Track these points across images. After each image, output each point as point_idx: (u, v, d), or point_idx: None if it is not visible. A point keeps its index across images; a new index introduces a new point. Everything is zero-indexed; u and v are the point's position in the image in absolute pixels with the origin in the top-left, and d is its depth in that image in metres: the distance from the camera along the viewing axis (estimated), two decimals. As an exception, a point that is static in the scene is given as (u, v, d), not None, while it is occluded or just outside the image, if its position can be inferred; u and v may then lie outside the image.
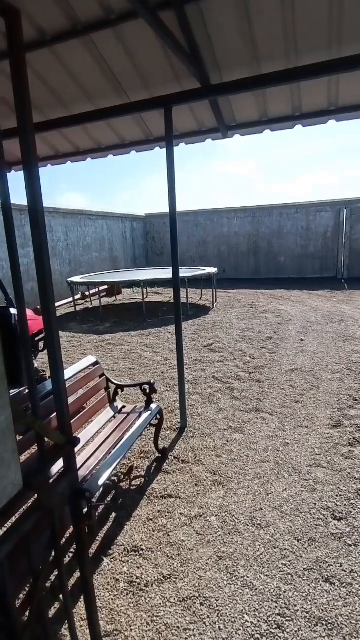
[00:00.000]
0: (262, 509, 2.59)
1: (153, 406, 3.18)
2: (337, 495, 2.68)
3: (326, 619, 1.85)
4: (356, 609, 1.90)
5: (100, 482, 2.27)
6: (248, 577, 2.09)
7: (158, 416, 3.18)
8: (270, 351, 5.88)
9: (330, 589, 2.00)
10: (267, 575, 2.10)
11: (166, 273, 9.84)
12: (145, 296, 9.57)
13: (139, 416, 3.05)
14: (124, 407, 3.35)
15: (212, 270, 10.07)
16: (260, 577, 2.09)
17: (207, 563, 2.20)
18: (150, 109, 3.28)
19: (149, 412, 3.10)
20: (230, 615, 1.88)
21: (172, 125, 3.02)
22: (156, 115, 3.63)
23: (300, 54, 2.77)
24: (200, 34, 2.73)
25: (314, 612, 1.89)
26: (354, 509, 2.55)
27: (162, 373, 5.20)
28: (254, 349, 5.99)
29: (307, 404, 4.07)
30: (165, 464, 3.16)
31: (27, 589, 2.03)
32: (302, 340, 6.38)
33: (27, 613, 1.15)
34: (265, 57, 2.82)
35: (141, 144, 4.16)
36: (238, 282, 13.96)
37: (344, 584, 2.03)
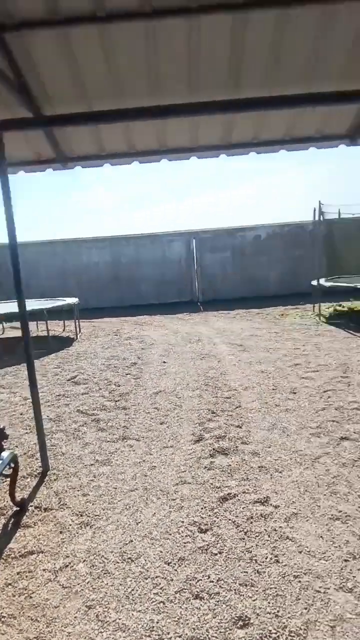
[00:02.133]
0: (132, 541, 2.52)
1: (4, 454, 2.83)
2: (201, 508, 2.79)
3: (198, 636, 1.87)
4: (224, 617, 1.96)
5: None
6: (120, 619, 1.98)
7: (12, 464, 2.84)
8: (135, 377, 5.93)
9: (200, 605, 2.04)
10: (139, 611, 2.02)
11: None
12: (1, 332, 8.71)
13: (-12, 469, 2.68)
14: (-31, 462, 2.90)
15: (73, 300, 9.78)
16: (132, 615, 2.00)
17: (75, 617, 2.01)
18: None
19: None
20: (101, 669, 1.74)
21: (3, 152, 2.87)
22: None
23: (125, 97, 2.99)
24: (26, 66, 2.70)
25: (187, 634, 1.88)
26: (217, 517, 2.68)
27: (21, 414, 4.74)
28: (119, 377, 5.97)
29: (171, 424, 4.20)
30: (25, 517, 2.83)
31: None
32: (164, 362, 6.63)
33: None
34: (94, 97, 2.95)
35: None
36: (102, 310, 13.87)
37: (212, 595, 2.09)
